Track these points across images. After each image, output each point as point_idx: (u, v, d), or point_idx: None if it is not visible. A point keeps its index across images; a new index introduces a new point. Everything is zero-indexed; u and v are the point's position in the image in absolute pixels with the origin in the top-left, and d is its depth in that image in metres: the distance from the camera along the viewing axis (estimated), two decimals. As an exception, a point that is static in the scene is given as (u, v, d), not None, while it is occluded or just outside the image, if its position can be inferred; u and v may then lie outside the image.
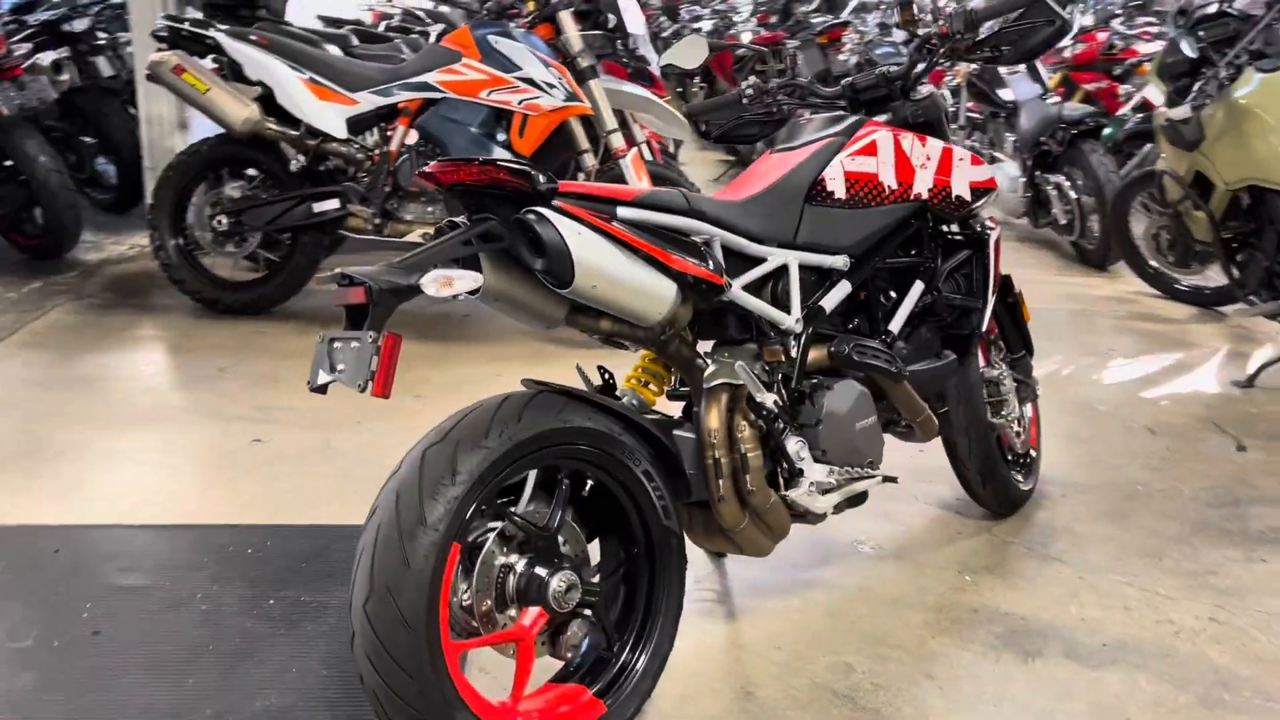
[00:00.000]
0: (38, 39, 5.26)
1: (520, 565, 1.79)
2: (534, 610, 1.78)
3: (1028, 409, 2.90)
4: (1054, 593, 2.53)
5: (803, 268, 2.17)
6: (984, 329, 2.56)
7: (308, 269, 4.33)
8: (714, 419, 1.99)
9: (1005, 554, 2.71)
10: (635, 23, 4.17)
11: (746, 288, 2.06)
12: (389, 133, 4.21)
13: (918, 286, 2.40)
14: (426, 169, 1.73)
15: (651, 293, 1.84)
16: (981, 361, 2.72)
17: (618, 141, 4.04)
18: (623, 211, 1.84)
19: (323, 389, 1.63)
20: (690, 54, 2.69)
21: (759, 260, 2.09)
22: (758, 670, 2.20)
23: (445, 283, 1.60)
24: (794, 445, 2.09)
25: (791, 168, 2.22)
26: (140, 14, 5.08)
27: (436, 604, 1.64)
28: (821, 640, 2.31)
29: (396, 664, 1.61)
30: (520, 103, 3.96)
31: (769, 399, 2.02)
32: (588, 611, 1.87)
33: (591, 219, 1.77)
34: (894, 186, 2.28)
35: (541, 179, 1.74)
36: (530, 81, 3.94)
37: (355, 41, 4.69)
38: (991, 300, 2.54)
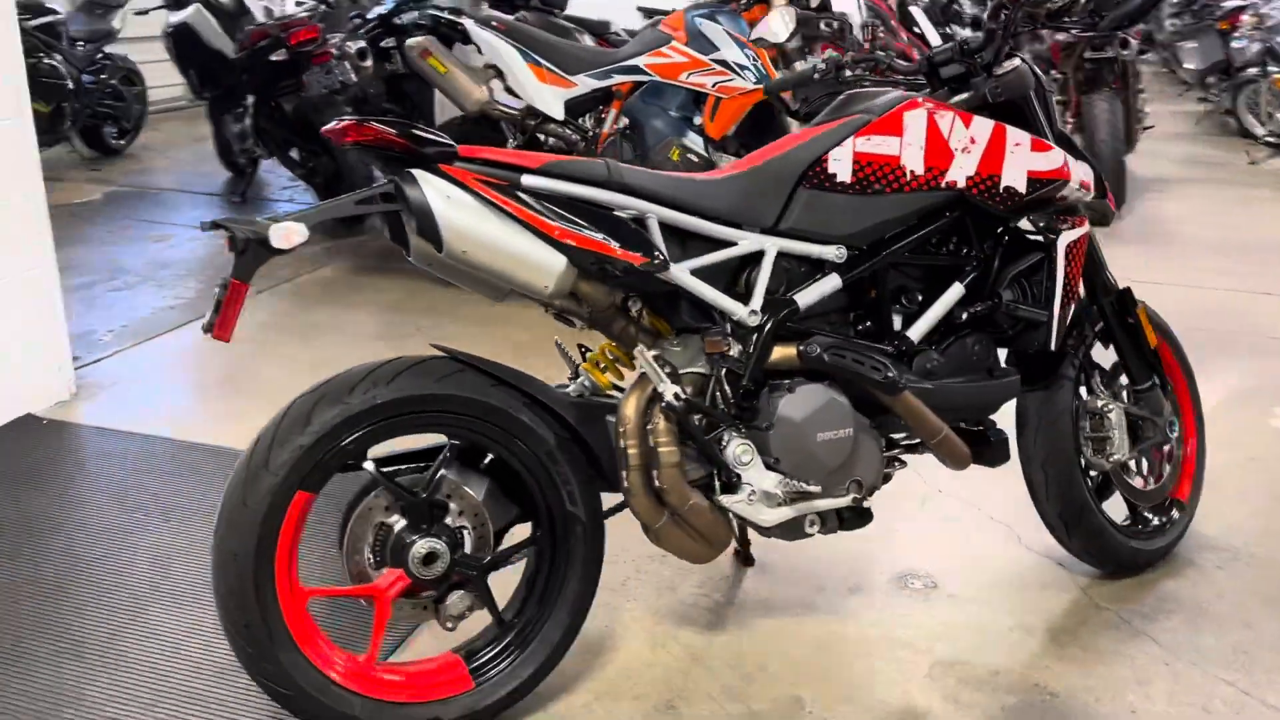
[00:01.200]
0: (374, 31, 5.97)
1: (397, 527, 1.81)
2: (394, 572, 1.80)
3: (1170, 451, 2.41)
4: (1119, 674, 2.10)
5: (787, 256, 1.97)
6: (1057, 347, 2.16)
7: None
8: (629, 407, 1.87)
9: (1087, 619, 2.27)
10: (849, 5, 3.93)
11: (708, 271, 1.91)
12: (603, 115, 4.32)
13: (954, 290, 2.08)
14: (326, 127, 1.79)
15: (532, 263, 1.77)
16: (1084, 389, 2.30)
17: (815, 128, 3.84)
18: (528, 179, 1.78)
19: (206, 330, 1.75)
20: (777, 26, 2.52)
21: (727, 244, 1.93)
22: (698, 687, 2.04)
23: (287, 236, 1.66)
24: (737, 448, 1.91)
25: (793, 146, 2.01)
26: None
27: (270, 545, 1.71)
28: (787, 671, 2.09)
29: (228, 595, 1.70)
30: (714, 85, 3.90)
31: (669, 390, 1.85)
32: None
33: (474, 183, 1.74)
34: (919, 171, 1.99)
35: (430, 141, 1.74)
36: (726, 64, 3.87)
37: (620, 31, 4.85)
38: (1060, 314, 2.13)
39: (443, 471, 1.84)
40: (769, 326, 1.93)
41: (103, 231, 5.54)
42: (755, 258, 1.95)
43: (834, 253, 1.97)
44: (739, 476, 1.92)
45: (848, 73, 2.24)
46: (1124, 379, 2.37)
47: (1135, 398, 2.34)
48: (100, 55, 7.28)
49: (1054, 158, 2.07)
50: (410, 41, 4.50)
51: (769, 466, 1.94)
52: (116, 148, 7.61)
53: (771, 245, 1.94)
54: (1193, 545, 2.54)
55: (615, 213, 1.83)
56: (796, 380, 1.96)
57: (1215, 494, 2.70)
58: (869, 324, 2.06)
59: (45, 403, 3.24)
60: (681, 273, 1.89)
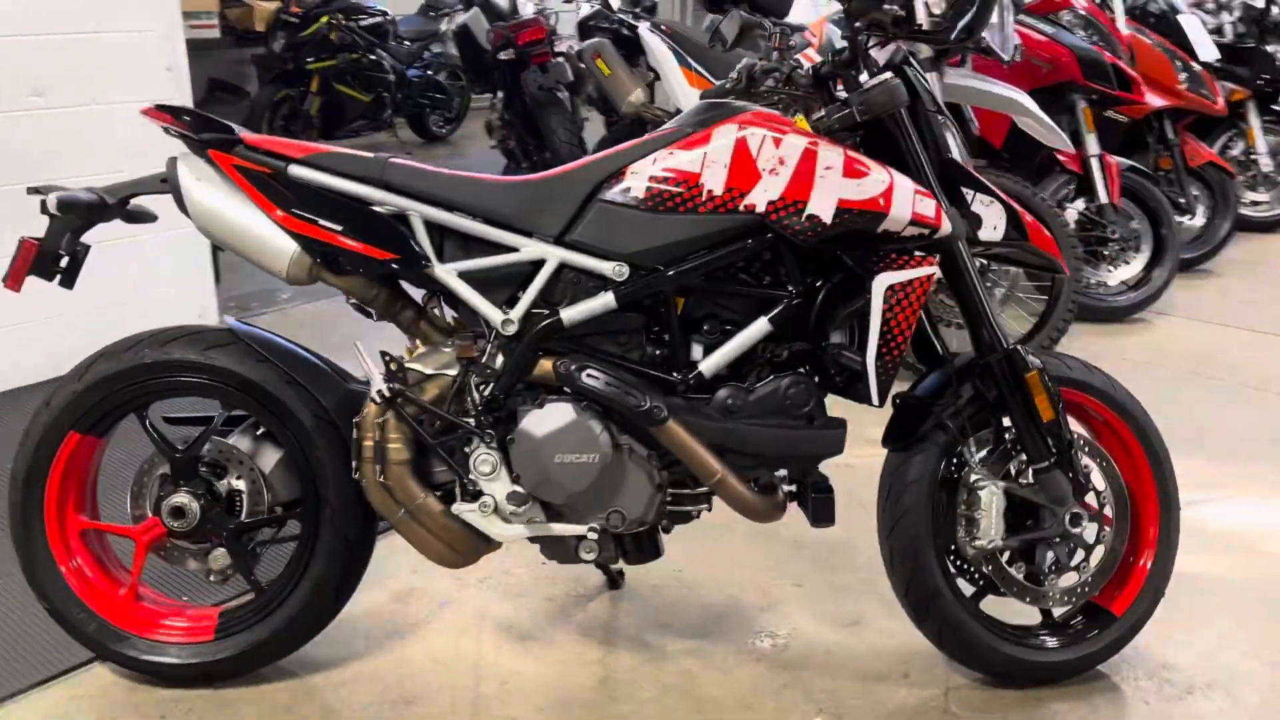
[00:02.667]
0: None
1: (163, 479, 1.99)
2: (153, 520, 1.97)
3: (1093, 542, 2.01)
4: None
5: (572, 269, 1.90)
6: (880, 403, 1.88)
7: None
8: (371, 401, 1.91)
9: (923, 722, 1.96)
10: None
11: (487, 276, 1.89)
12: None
13: (758, 325, 1.88)
14: (144, 108, 1.98)
15: (267, 247, 1.86)
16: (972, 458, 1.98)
17: (939, 145, 3.52)
18: (293, 169, 1.87)
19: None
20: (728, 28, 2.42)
21: (510, 249, 1.90)
22: (448, 694, 2.03)
23: (65, 205, 1.88)
24: (478, 458, 1.88)
25: (603, 157, 1.93)
26: (664, 10, 5.71)
27: (41, 473, 1.94)
28: (535, 699, 2.02)
29: (9, 509, 1.98)
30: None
31: (376, 385, 1.85)
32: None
33: (229, 169, 1.86)
34: (718, 192, 1.82)
35: (210, 129, 1.89)
36: (847, 72, 3.65)
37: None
38: (878, 365, 1.84)
39: (229, 438, 1.99)
40: (527, 338, 1.87)
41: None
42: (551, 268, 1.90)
43: (613, 269, 1.86)
44: (477, 484, 1.89)
45: (770, 82, 2.09)
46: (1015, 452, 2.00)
47: (1036, 477, 1.96)
48: (427, 52, 8.20)
49: (869, 186, 1.80)
50: (586, 43, 4.68)
51: (514, 481, 1.89)
52: (439, 135, 8.53)
53: (555, 256, 1.88)
54: (1133, 666, 2.08)
55: (374, 208, 1.88)
56: (548, 397, 1.88)
57: (1210, 610, 2.19)
58: (663, 350, 1.92)
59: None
60: (447, 273, 1.89)
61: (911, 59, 1.95)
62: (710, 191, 1.83)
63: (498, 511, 1.90)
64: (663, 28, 4.49)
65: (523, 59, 5.47)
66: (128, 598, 2.03)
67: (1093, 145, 4.19)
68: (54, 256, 1.93)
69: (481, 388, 1.89)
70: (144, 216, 2.00)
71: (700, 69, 4.24)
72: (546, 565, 2.33)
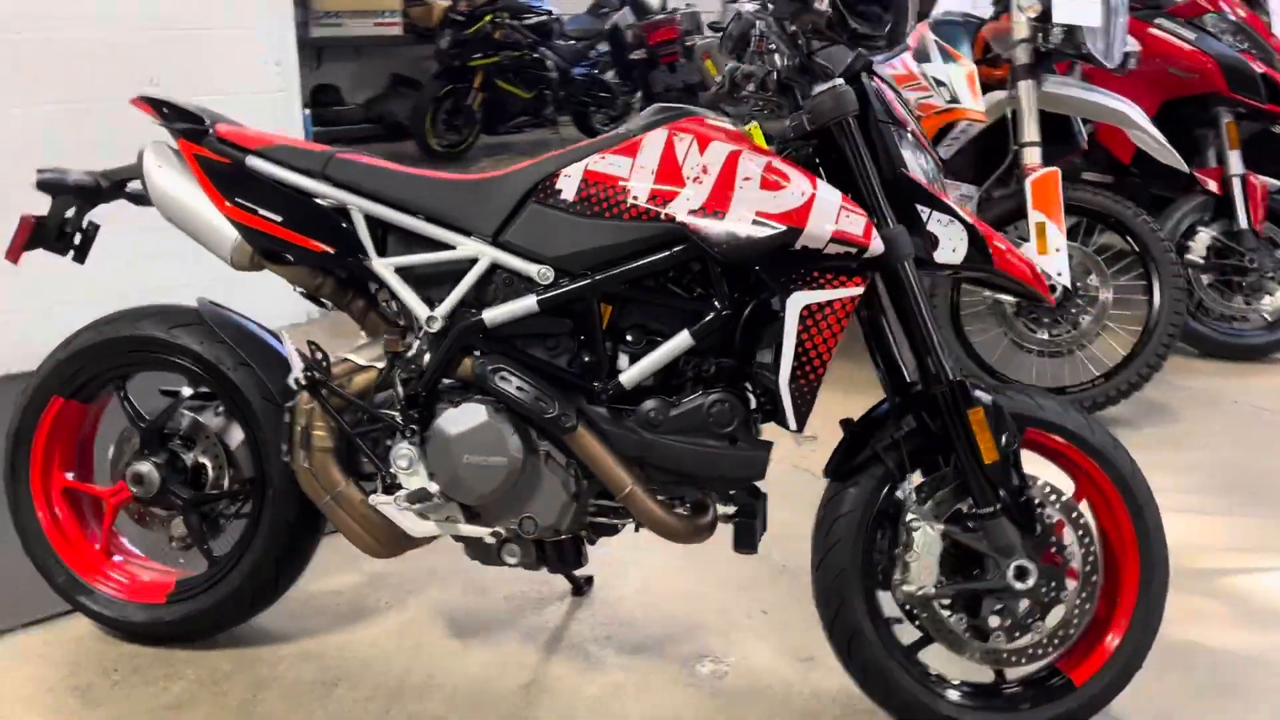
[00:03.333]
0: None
1: (134, 447, 2.12)
2: (121, 484, 2.11)
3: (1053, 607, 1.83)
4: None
5: (505, 269, 1.89)
6: (798, 428, 1.76)
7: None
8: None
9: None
10: (1083, 13, 3.20)
11: (424, 272, 1.92)
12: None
13: (679, 339, 1.80)
14: (132, 98, 2.11)
15: (213, 234, 1.95)
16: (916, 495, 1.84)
17: (1030, 158, 3.28)
18: (250, 160, 1.95)
19: None
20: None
21: (447, 246, 1.91)
22: (377, 678, 2.07)
23: (47, 186, 2.04)
24: (397, 452, 1.90)
25: (543, 159, 1.91)
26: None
27: (28, 432, 2.12)
28: (451, 698, 2.02)
29: (1, 464, 2.16)
30: (917, 101, 3.49)
31: (295, 372, 1.89)
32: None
33: (189, 158, 1.96)
34: (642, 199, 1.77)
35: (182, 119, 2.00)
36: (930, 79, 3.45)
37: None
38: (792, 389, 1.73)
39: (203, 414, 2.11)
40: (449, 335, 1.88)
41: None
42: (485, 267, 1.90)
43: (538, 272, 1.84)
44: (396, 478, 1.91)
45: (751, 87, 2.02)
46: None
47: (980, 523, 1.80)
48: (593, 51, 8.34)
49: (786, 199, 1.69)
50: (699, 43, 4.62)
51: (430, 478, 1.90)
52: (601, 132, 8.67)
53: (488, 255, 1.88)
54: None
55: (317, 201, 1.93)
56: (467, 396, 1.88)
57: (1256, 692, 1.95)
58: (589, 357, 1.88)
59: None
60: (384, 267, 1.92)
61: (872, 67, 1.83)
62: (635, 198, 1.77)
63: (408, 506, 1.91)
64: (773, 29, 4.39)
65: (653, 58, 5.48)
66: (98, 555, 2.17)
67: (1235, 164, 3.79)
68: (56, 233, 2.09)
69: (407, 383, 1.91)
70: (146, 199, 2.13)
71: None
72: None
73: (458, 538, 1.96)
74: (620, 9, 6.71)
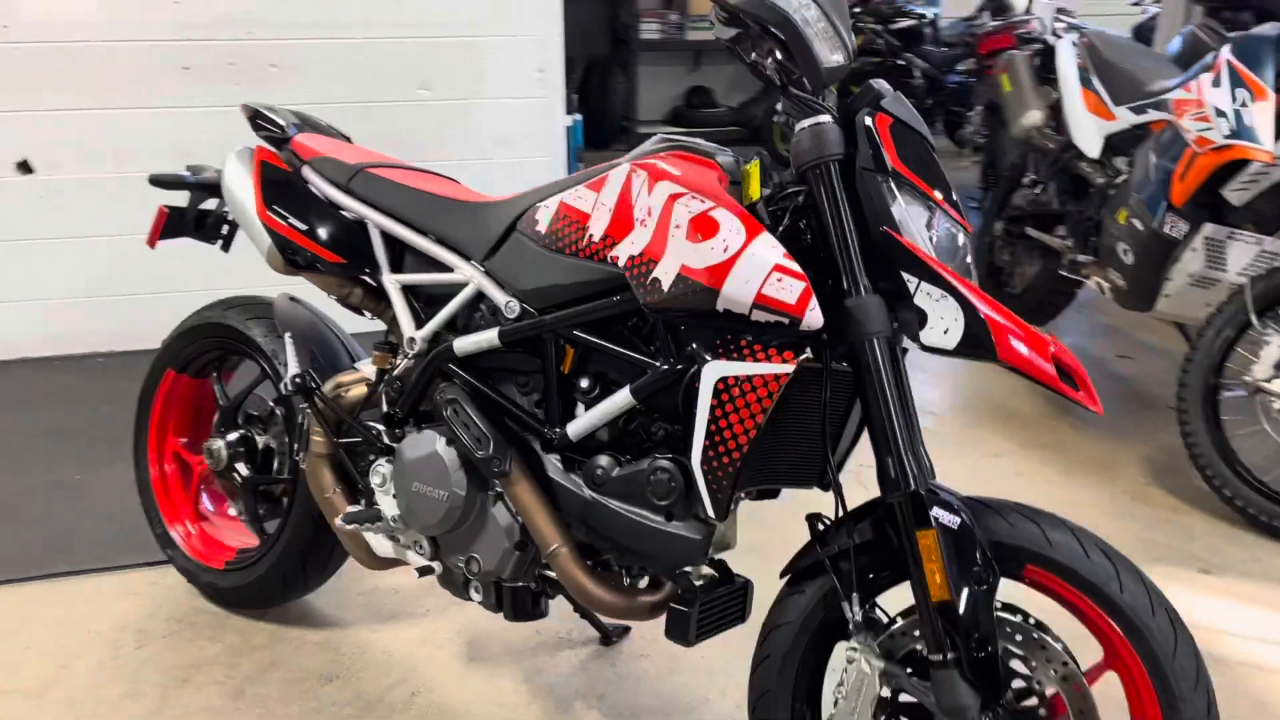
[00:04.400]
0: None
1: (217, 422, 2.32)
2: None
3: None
4: None
5: (488, 298, 1.83)
6: (718, 515, 1.51)
7: (1045, 299, 3.91)
8: (327, 386, 2.02)
9: None
10: None
11: (430, 291, 1.91)
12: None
13: (620, 396, 1.62)
14: (241, 104, 2.27)
15: (257, 237, 2.04)
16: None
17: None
18: (304, 170, 2.05)
19: None
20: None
21: (447, 269, 1.89)
22: (362, 687, 2.10)
23: (155, 181, 2.26)
24: (375, 469, 1.91)
25: (539, 187, 1.81)
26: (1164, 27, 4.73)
27: (148, 402, 2.39)
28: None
29: (134, 426, 2.46)
30: (1195, 133, 2.85)
31: (286, 378, 1.92)
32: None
33: (256, 162, 2.08)
34: (596, 239, 1.61)
35: (266, 127, 2.14)
36: (1215, 109, 2.80)
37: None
38: (705, 470, 1.47)
39: (262, 394, 2.27)
40: (426, 359, 1.85)
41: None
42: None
43: (505, 304, 1.75)
44: (374, 497, 1.92)
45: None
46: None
47: (927, 670, 1.44)
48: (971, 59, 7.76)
49: (708, 253, 1.44)
50: (1004, 55, 4.13)
51: (395, 500, 1.89)
52: (976, 143, 8.06)
53: (475, 281, 1.83)
54: None
55: (343, 214, 1.98)
56: (433, 423, 1.84)
57: None
58: (546, 401, 1.76)
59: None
60: (391, 283, 1.94)
61: (882, 102, 1.52)
62: (591, 236, 1.63)
63: (384, 528, 1.91)
64: (1084, 39, 3.81)
65: (980, 70, 5.00)
66: (188, 515, 2.41)
67: None
68: (195, 223, 2.33)
69: (390, 401, 1.91)
70: None
71: (1102, 90, 3.52)
72: (562, 601, 2.27)
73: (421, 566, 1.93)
74: (983, 11, 6.16)
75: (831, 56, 1.41)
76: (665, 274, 1.50)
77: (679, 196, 1.52)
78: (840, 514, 1.53)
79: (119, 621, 2.31)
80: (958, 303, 1.42)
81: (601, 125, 8.74)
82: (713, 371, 1.48)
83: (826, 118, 1.48)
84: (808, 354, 1.46)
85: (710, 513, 1.53)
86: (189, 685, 2.09)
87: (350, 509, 1.92)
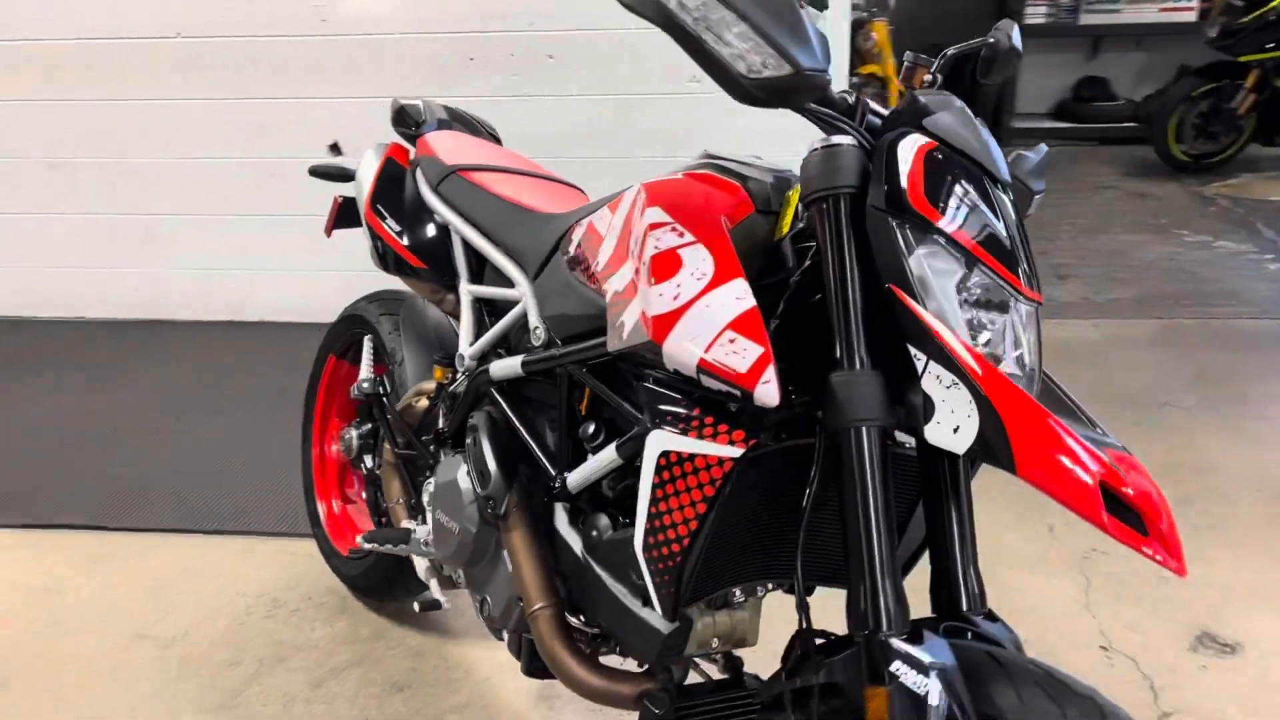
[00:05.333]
0: None
1: None
2: (349, 439, 2.37)
3: None
4: None
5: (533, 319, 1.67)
6: (667, 614, 1.23)
7: None
8: (409, 394, 1.96)
9: None
10: None
11: (499, 304, 1.80)
12: None
13: (607, 453, 1.38)
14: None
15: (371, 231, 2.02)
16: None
17: None
18: (415, 169, 2.00)
19: None
20: None
21: (510, 284, 1.76)
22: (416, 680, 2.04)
23: (313, 171, 2.30)
24: (427, 488, 1.82)
25: (596, 200, 1.62)
26: None
27: (315, 385, 2.47)
28: None
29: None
30: None
31: (355, 388, 1.85)
32: None
33: (383, 158, 2.05)
34: (599, 267, 1.40)
35: (405, 125, 2.11)
36: None
37: None
38: (647, 557, 1.20)
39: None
40: (470, 378, 1.73)
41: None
42: None
43: (534, 330, 1.59)
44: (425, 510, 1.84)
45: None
46: None
47: None
48: None
49: (657, 300, 1.17)
50: None
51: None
52: None
53: (525, 300, 1.69)
54: None
55: (435, 217, 1.90)
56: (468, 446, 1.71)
57: None
58: (559, 443, 1.56)
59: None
60: (466, 294, 1.84)
61: (925, 120, 1.16)
62: (597, 263, 1.42)
63: (414, 546, 1.83)
64: None
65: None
66: (337, 497, 2.48)
67: None
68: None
69: (445, 417, 1.81)
70: None
71: None
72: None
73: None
74: None
75: (755, 64, 1.07)
76: (629, 317, 1.26)
77: (658, 226, 1.27)
78: (810, 638, 1.21)
79: (263, 588, 2.44)
80: (971, 395, 1.05)
81: (973, 119, 8.07)
82: (656, 442, 1.22)
83: (846, 139, 1.16)
84: (768, 436, 1.16)
85: (657, 610, 1.27)
86: (282, 666, 2.15)
87: (373, 529, 1.86)
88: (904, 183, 1.11)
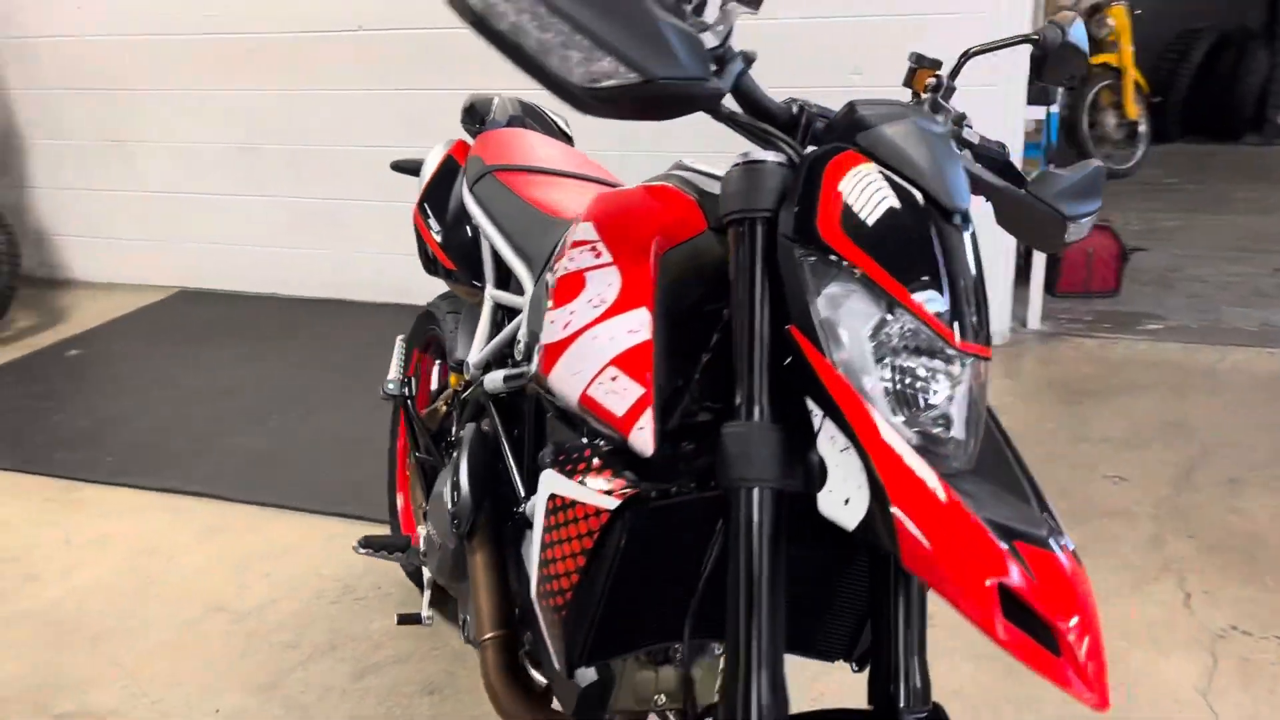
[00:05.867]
0: None
1: None
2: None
3: None
4: None
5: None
6: (562, 665, 1.12)
7: None
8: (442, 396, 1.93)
9: None
10: None
11: (511, 310, 1.74)
12: None
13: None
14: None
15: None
16: None
17: None
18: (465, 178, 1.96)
19: None
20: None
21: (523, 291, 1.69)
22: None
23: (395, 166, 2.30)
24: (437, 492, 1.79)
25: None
26: None
27: (403, 379, 2.49)
28: None
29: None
30: None
31: (382, 388, 1.81)
32: None
33: (443, 156, 2.03)
34: (552, 283, 1.30)
35: (471, 124, 2.08)
36: None
37: None
38: (544, 605, 1.10)
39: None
40: (476, 387, 1.67)
41: None
42: None
43: (520, 340, 1.51)
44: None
45: None
46: None
47: None
48: None
49: (550, 326, 1.07)
50: None
51: (437, 531, 1.75)
52: None
53: (525, 307, 1.62)
54: None
55: (469, 218, 1.86)
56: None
57: None
58: (524, 465, 1.48)
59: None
60: (489, 299, 1.79)
61: (858, 137, 0.99)
62: (555, 278, 1.33)
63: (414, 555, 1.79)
64: None
65: None
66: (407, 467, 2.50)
67: None
68: None
69: (455, 422, 1.77)
70: None
71: None
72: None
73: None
74: None
75: (581, 69, 0.91)
76: (550, 338, 1.16)
77: (580, 245, 1.17)
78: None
79: (341, 572, 2.49)
80: (862, 464, 0.89)
81: (1230, 113, 7.28)
82: (547, 483, 1.11)
83: (772, 155, 1.02)
84: (658, 487, 1.03)
85: (556, 664, 1.17)
86: (332, 655, 2.19)
87: (372, 534, 1.83)
88: (816, 209, 0.95)
